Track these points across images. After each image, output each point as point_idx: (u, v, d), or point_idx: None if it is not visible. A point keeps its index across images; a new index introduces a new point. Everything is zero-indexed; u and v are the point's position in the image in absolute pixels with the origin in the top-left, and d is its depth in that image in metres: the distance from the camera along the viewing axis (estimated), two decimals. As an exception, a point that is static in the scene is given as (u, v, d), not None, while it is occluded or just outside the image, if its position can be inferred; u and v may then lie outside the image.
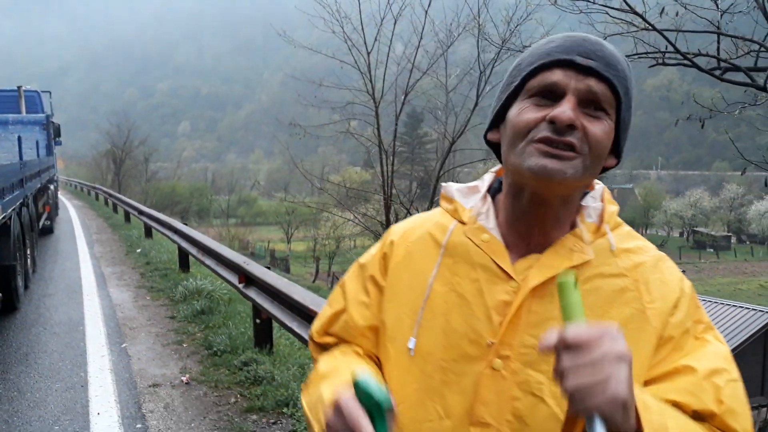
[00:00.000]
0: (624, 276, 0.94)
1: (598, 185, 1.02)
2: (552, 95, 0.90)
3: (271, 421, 4.14)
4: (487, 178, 1.09)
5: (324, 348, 1.14)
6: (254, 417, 4.20)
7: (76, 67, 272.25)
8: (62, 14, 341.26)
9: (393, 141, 10.52)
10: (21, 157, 9.05)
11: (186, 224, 9.94)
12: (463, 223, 1.03)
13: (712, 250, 57.26)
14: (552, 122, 0.88)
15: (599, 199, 1.01)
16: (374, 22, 9.97)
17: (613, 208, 1.01)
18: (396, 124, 10.38)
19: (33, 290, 8.22)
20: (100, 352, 5.61)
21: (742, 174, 6.37)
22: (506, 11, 9.44)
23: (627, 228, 1.02)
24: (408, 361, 0.99)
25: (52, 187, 15.00)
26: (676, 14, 6.00)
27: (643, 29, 6.02)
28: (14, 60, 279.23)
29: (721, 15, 5.85)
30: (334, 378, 0.98)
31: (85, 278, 9.20)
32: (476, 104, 9.93)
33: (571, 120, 0.87)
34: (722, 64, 5.84)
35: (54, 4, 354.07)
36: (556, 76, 0.90)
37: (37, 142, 12.25)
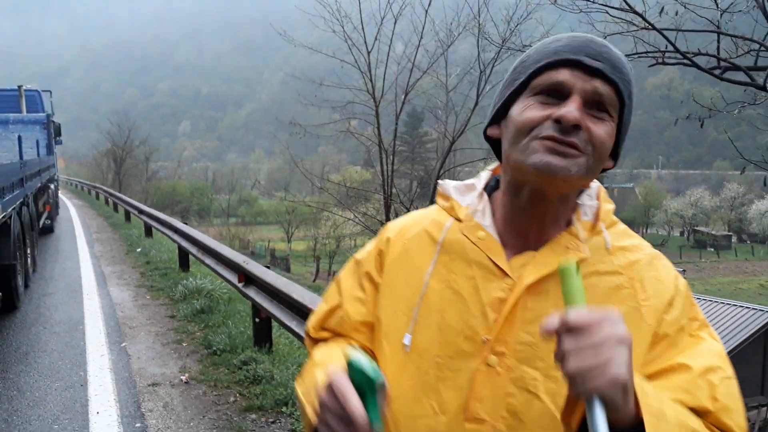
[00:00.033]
0: (619, 274, 0.95)
1: (594, 183, 1.03)
2: (557, 94, 0.91)
3: (270, 420, 4.15)
4: (484, 176, 1.10)
5: (320, 343, 1.15)
6: (253, 416, 4.21)
7: (77, 67, 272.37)
8: (62, 14, 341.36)
9: (393, 140, 10.52)
10: (21, 157, 9.04)
11: (186, 223, 9.94)
12: (459, 220, 1.03)
13: (712, 249, 57.28)
14: (558, 121, 0.88)
15: (595, 197, 1.02)
16: (374, 22, 9.97)
17: (608, 206, 1.01)
18: (396, 124, 10.38)
19: (33, 289, 8.23)
20: (100, 351, 5.61)
21: (741, 173, 6.37)
22: (506, 10, 9.44)
23: (622, 226, 1.02)
24: (403, 357, 0.99)
25: (52, 186, 15.01)
26: (676, 13, 5.99)
27: (642, 28, 6.01)
28: (14, 59, 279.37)
29: (721, 14, 5.85)
30: (328, 364, 0.99)
31: (85, 277, 9.21)
32: (476, 104, 9.93)
33: (578, 120, 0.87)
34: (722, 64, 5.84)
35: (54, 3, 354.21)
36: (563, 75, 0.90)
37: (37, 142, 12.25)
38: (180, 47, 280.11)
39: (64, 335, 6.15)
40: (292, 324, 4.42)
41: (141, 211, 14.54)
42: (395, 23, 9.90)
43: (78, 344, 5.83)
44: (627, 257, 0.96)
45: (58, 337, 6.07)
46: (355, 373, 0.84)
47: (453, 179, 1.15)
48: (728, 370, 0.90)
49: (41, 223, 11.78)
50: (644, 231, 65.79)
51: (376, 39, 9.95)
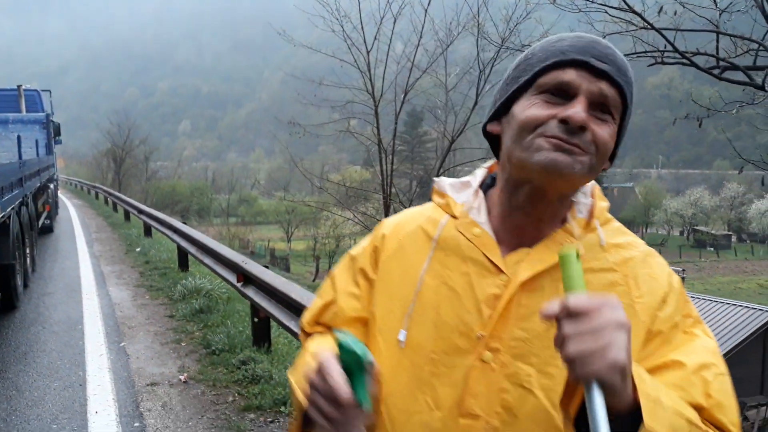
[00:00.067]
0: (613, 271, 0.95)
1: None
2: (563, 94, 0.91)
3: (269, 419, 4.15)
4: (479, 174, 1.10)
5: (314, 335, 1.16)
6: (252, 416, 4.21)
7: (77, 66, 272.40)
8: (62, 13, 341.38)
9: (392, 140, 10.53)
10: (20, 156, 9.05)
11: (186, 223, 9.95)
12: (454, 217, 1.04)
13: (712, 248, 57.28)
14: (564, 122, 0.88)
15: (589, 194, 1.02)
16: (374, 21, 9.97)
17: (603, 204, 1.02)
18: (395, 123, 10.38)
19: (32, 289, 8.23)
20: (99, 351, 5.61)
21: (739, 173, 6.37)
22: (505, 10, 9.44)
23: (617, 224, 1.03)
24: (398, 353, 1.00)
25: (51, 186, 15.00)
26: (675, 13, 6.00)
27: (641, 28, 6.02)
28: (14, 59, 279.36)
29: (720, 14, 5.86)
30: (319, 350, 1.00)
31: (85, 277, 9.21)
32: (476, 103, 9.94)
33: (584, 122, 0.88)
34: (721, 63, 5.85)
35: (54, 3, 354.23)
36: (570, 75, 0.90)
37: (36, 141, 12.25)
38: (180, 46, 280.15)
39: (63, 335, 6.15)
40: (291, 324, 4.41)
41: (140, 211, 14.54)
42: (395, 23, 9.91)
43: (77, 344, 5.83)
44: (621, 254, 0.97)
45: (57, 337, 6.07)
46: (345, 353, 0.85)
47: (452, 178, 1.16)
48: (721, 366, 0.90)
49: (40, 222, 11.78)
50: (644, 230, 65.82)
51: (375, 38, 9.96)
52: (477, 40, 9.66)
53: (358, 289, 1.09)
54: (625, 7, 6.01)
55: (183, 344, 5.83)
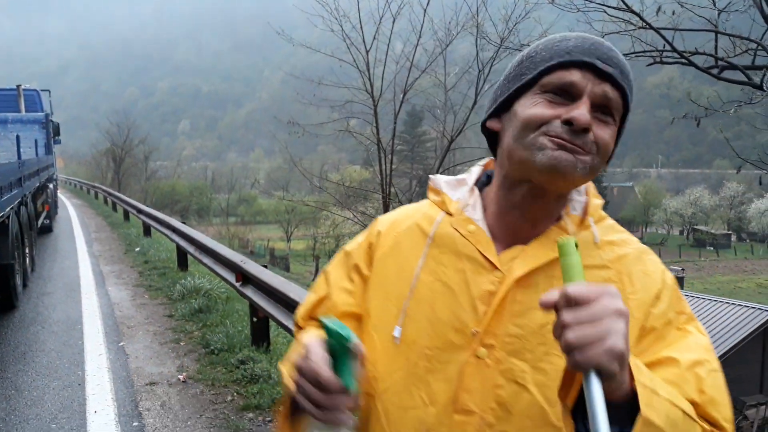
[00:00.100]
0: (607, 268, 0.96)
1: None
2: (566, 95, 0.91)
3: (268, 419, 4.15)
4: (475, 171, 1.11)
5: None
6: (250, 415, 4.21)
7: (76, 66, 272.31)
8: (62, 13, 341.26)
9: (392, 139, 10.52)
10: (19, 156, 9.04)
11: (185, 223, 9.95)
12: (450, 214, 1.04)
13: (712, 248, 57.30)
14: (568, 123, 0.89)
15: (584, 192, 1.03)
16: (373, 21, 9.95)
17: (597, 201, 1.02)
18: (395, 123, 10.37)
19: (31, 289, 8.23)
20: (98, 351, 5.62)
21: (737, 172, 6.37)
22: (504, 10, 9.42)
23: (610, 221, 1.03)
24: (393, 349, 1.00)
25: (51, 185, 15.00)
26: (673, 13, 6.00)
27: (640, 28, 6.02)
28: (14, 59, 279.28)
29: (719, 13, 5.85)
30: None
31: (84, 277, 9.21)
32: (475, 102, 9.92)
33: (589, 124, 0.88)
34: (719, 63, 5.85)
35: (54, 3, 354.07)
36: (575, 76, 0.90)
37: (36, 141, 12.23)
38: (180, 46, 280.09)
39: (62, 334, 6.16)
40: (290, 323, 4.42)
41: (140, 211, 14.54)
42: (394, 22, 9.89)
43: (76, 343, 5.84)
44: (615, 251, 0.97)
45: (57, 337, 6.08)
46: (332, 338, 0.86)
47: (451, 177, 1.16)
48: (715, 363, 0.91)
49: (40, 222, 11.78)
50: (644, 230, 65.86)
51: (374, 38, 9.94)
52: (476, 39, 9.65)
53: (351, 285, 1.10)
54: (624, 6, 6.01)
55: (182, 344, 5.83)
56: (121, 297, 7.86)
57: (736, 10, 5.87)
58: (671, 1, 6.06)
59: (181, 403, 4.43)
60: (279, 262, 42.02)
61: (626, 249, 0.98)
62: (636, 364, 0.80)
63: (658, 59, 6.03)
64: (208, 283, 7.73)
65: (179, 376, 4.93)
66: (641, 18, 5.93)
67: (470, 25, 9.83)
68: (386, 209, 10.00)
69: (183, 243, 8.91)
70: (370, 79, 10.02)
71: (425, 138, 43.70)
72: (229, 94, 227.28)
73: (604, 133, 0.91)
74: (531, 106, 0.92)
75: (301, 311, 1.17)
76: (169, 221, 10.48)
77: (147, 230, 13.75)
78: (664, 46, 5.90)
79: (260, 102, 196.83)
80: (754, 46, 5.77)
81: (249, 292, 5.45)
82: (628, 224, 59.56)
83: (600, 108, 0.91)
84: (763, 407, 17.62)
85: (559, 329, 0.76)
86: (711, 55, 5.91)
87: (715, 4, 5.86)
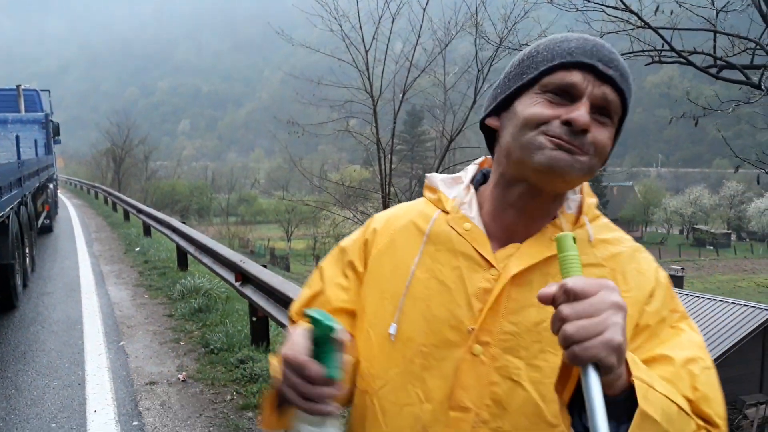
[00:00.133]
0: (601, 266, 0.96)
1: None
2: (566, 95, 0.92)
3: (268, 417, 4.15)
4: (471, 170, 1.11)
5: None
6: (250, 414, 4.22)
7: (76, 66, 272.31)
8: (62, 13, 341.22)
9: (391, 139, 10.51)
10: (19, 156, 9.05)
11: (185, 223, 9.96)
12: (446, 212, 1.05)
13: (711, 247, 57.29)
14: (567, 123, 0.89)
15: (578, 191, 1.03)
16: (372, 21, 9.95)
17: (591, 200, 1.03)
18: (394, 123, 10.37)
19: (32, 289, 8.24)
20: (98, 350, 5.62)
21: (735, 172, 6.37)
22: (503, 9, 9.43)
23: (604, 220, 1.04)
24: (389, 346, 1.01)
25: (51, 185, 15.00)
26: (671, 12, 6.00)
27: (639, 27, 6.02)
28: (14, 59, 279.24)
29: (717, 13, 5.86)
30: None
31: (84, 277, 9.22)
32: (474, 102, 9.92)
33: (588, 125, 0.89)
34: (718, 62, 5.86)
35: (54, 2, 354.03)
36: (576, 77, 0.91)
37: (35, 141, 12.24)
38: (180, 46, 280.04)
39: (62, 334, 6.16)
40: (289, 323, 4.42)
41: (140, 211, 14.54)
42: (393, 22, 9.89)
43: (76, 343, 5.85)
44: (609, 250, 0.98)
45: (57, 336, 6.08)
46: (316, 328, 0.86)
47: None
48: (708, 360, 0.91)
49: (40, 222, 11.78)
50: (643, 229, 65.84)
51: (374, 38, 9.94)
52: (475, 39, 9.65)
53: (346, 281, 1.10)
54: (622, 6, 6.01)
55: (182, 343, 5.84)
56: (121, 297, 7.87)
57: (735, 10, 5.87)
58: (670, 1, 6.06)
59: (180, 402, 4.44)
60: (279, 261, 42.02)
61: (620, 247, 0.99)
62: (632, 358, 0.81)
63: (656, 59, 6.04)
64: (208, 282, 7.74)
65: (179, 376, 4.94)
66: (640, 17, 5.94)
67: (469, 24, 9.83)
68: (386, 209, 9.98)
69: (183, 243, 8.91)
70: (369, 79, 10.02)
71: (425, 137, 43.67)
72: (229, 94, 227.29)
73: (602, 134, 0.91)
74: (531, 106, 0.93)
75: (295, 306, 1.18)
76: (169, 221, 10.49)
77: (147, 230, 13.76)
78: (662, 46, 5.91)
79: (260, 102, 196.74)
80: (753, 45, 5.77)
81: (248, 291, 5.45)
82: (627, 223, 59.56)
83: (599, 109, 0.91)
84: (763, 406, 17.62)
85: (558, 322, 0.76)
86: (710, 55, 5.91)
87: (713, 4, 5.86)
